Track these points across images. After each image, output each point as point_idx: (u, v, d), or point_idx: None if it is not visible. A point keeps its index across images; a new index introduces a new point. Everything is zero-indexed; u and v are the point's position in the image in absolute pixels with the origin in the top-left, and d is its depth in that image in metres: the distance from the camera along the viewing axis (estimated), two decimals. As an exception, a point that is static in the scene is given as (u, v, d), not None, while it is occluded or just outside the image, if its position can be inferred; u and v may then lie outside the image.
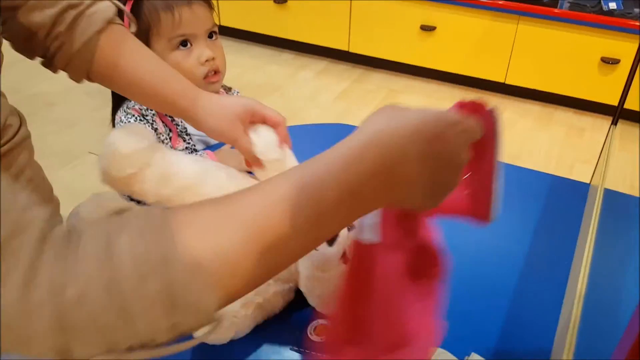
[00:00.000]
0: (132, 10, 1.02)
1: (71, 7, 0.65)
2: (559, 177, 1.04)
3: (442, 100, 2.91)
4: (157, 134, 1.08)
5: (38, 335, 0.32)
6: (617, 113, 0.96)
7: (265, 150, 0.67)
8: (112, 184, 0.70)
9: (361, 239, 0.47)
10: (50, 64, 0.68)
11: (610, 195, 0.75)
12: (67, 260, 0.33)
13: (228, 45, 3.48)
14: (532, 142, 2.59)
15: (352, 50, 3.15)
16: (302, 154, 1.05)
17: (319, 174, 0.39)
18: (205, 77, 1.06)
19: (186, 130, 1.12)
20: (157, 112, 1.09)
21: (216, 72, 1.08)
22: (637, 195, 0.90)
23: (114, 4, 0.70)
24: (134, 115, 1.06)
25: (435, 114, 0.43)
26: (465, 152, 0.44)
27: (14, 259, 0.31)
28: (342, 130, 1.24)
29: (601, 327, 0.58)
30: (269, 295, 0.68)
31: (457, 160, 0.43)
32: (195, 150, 1.12)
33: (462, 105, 0.48)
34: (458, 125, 0.43)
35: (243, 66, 3.19)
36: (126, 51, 0.69)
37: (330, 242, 0.60)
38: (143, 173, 0.68)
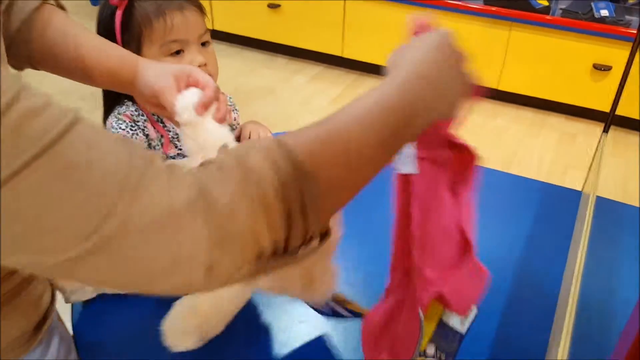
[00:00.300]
0: (123, 17, 1.01)
1: None
2: (551, 184, 1.05)
3: (435, 105, 2.92)
4: (148, 140, 1.07)
5: (195, 246, 0.34)
6: (609, 121, 0.96)
7: (180, 111, 0.67)
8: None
9: (402, 171, 0.55)
10: None
11: (602, 203, 0.75)
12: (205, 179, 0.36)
13: (221, 50, 3.48)
14: (524, 147, 2.60)
15: (346, 55, 3.15)
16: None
17: (391, 100, 0.49)
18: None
19: (178, 136, 1.12)
20: (148, 118, 1.08)
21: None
22: (629, 201, 0.91)
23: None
24: (124, 121, 1.05)
25: (431, 37, 0.56)
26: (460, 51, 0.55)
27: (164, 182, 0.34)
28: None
29: (594, 334, 0.58)
30: None
31: (458, 56, 0.55)
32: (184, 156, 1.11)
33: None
34: (447, 38, 0.55)
35: (236, 70, 3.19)
36: (64, 27, 0.69)
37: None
38: None
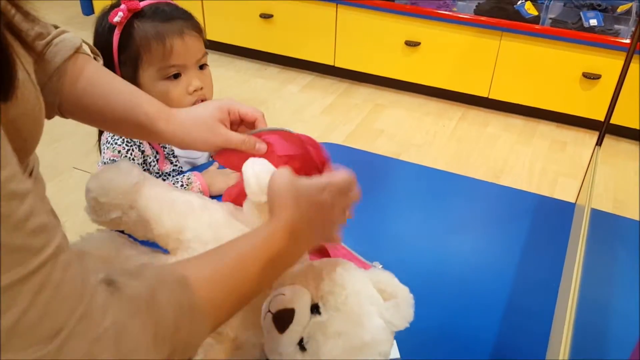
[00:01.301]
0: (121, 36, 1.00)
1: (39, 38, 0.65)
2: (544, 196, 1.06)
3: (427, 114, 2.93)
4: (144, 156, 1.07)
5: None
6: (602, 134, 0.97)
7: (257, 192, 0.63)
8: (100, 224, 0.70)
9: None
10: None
11: (597, 215, 0.76)
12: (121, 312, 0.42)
13: (214, 59, 3.49)
14: (515, 156, 2.62)
15: (338, 64, 3.17)
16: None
17: (257, 251, 0.55)
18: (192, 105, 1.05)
19: (173, 153, 1.12)
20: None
21: (202, 100, 1.07)
22: (620, 209, 0.91)
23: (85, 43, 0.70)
24: (120, 137, 1.05)
25: (309, 185, 0.59)
26: (340, 202, 0.61)
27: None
28: (326, 148, 1.24)
29: (591, 346, 0.58)
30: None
31: (332, 212, 0.60)
32: (182, 172, 1.11)
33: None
34: (326, 189, 0.59)
35: (229, 80, 3.19)
36: (94, 77, 0.68)
37: (282, 329, 0.57)
38: (128, 216, 0.68)
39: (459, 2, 2.90)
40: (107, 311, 0.40)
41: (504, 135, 2.79)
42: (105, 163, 1.04)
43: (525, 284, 0.82)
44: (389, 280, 0.61)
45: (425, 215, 0.99)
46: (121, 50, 1.00)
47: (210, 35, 3.37)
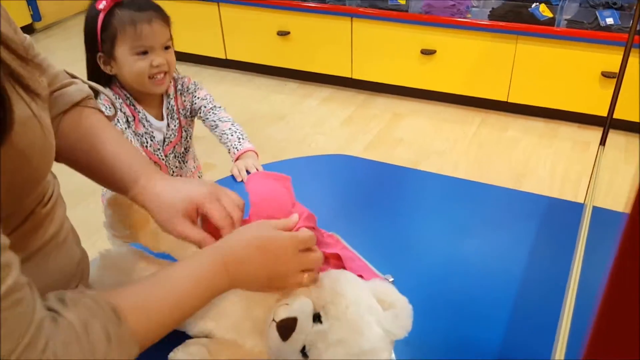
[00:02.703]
0: (104, 20, 1.26)
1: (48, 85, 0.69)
2: (556, 198, 1.06)
3: (446, 121, 2.94)
4: (125, 116, 1.31)
5: None
6: (605, 134, 0.98)
7: None
8: (118, 238, 0.75)
9: None
10: None
11: (600, 213, 0.77)
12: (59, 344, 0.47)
13: (234, 78, 3.57)
14: (537, 158, 2.60)
15: (355, 76, 3.21)
16: (305, 185, 1.09)
17: (189, 284, 0.59)
18: (153, 77, 1.29)
19: (146, 118, 1.34)
20: (123, 100, 1.32)
21: (166, 73, 1.31)
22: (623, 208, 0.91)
23: (92, 85, 0.74)
24: (103, 105, 1.23)
25: (265, 232, 0.63)
26: (295, 256, 0.63)
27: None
28: (342, 161, 1.27)
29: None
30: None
31: (285, 263, 0.62)
32: (153, 138, 1.36)
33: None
34: (287, 242, 0.63)
35: (248, 97, 3.26)
36: (83, 134, 0.71)
37: (285, 337, 0.60)
38: (143, 230, 0.74)
39: (473, 9, 2.91)
40: (48, 342, 0.46)
41: (525, 138, 2.77)
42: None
43: (534, 286, 0.83)
44: (389, 290, 0.63)
45: (442, 223, 1.00)
46: (103, 30, 1.27)
47: (230, 55, 3.45)
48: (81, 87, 0.73)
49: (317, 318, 0.61)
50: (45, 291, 0.58)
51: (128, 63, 1.27)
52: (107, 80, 1.34)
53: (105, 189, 1.24)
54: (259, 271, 0.62)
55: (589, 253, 0.64)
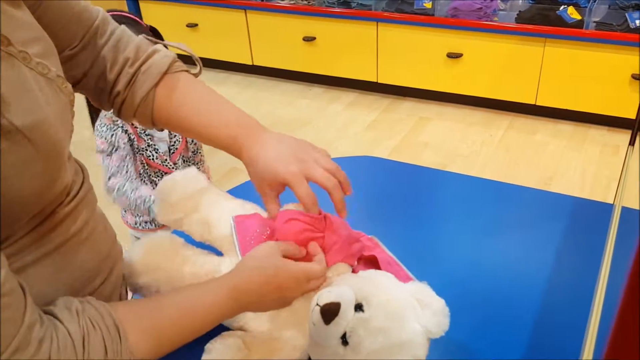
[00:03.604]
0: None
1: (127, 63, 0.71)
2: (584, 199, 1.05)
3: (472, 125, 2.93)
4: (127, 134, 1.30)
5: None
6: (634, 134, 0.97)
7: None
8: (165, 223, 0.78)
9: None
10: (119, 115, 0.75)
11: (629, 214, 0.77)
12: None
13: (261, 83, 3.61)
14: (566, 162, 2.57)
15: (381, 80, 3.21)
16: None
17: (198, 311, 0.61)
18: None
19: (145, 131, 1.34)
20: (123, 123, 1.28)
21: None
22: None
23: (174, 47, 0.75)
24: (106, 124, 1.25)
25: (278, 267, 0.65)
26: (300, 286, 0.65)
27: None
28: (368, 163, 1.28)
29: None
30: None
31: (290, 297, 0.65)
32: (157, 150, 1.36)
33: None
34: (300, 281, 0.65)
35: (275, 103, 3.29)
36: (178, 101, 0.72)
37: (328, 321, 0.61)
38: (189, 218, 0.76)
39: (500, 12, 2.89)
40: (41, 346, 0.47)
41: (554, 141, 2.74)
42: (98, 152, 1.29)
43: (563, 286, 0.83)
44: (427, 291, 0.65)
45: (469, 224, 1.00)
46: None
47: (257, 61, 3.50)
48: (164, 53, 0.73)
49: (358, 308, 0.62)
50: (66, 287, 0.60)
51: None
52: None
53: (123, 210, 1.36)
54: (266, 298, 0.64)
55: (618, 254, 0.64)
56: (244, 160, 0.71)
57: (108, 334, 0.53)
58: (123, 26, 0.73)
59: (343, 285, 0.64)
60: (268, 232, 0.73)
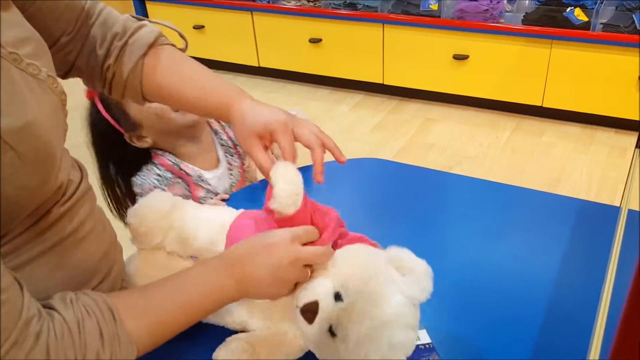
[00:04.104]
0: (101, 101, 1.11)
1: (116, 38, 0.73)
2: (590, 201, 1.05)
3: (479, 126, 2.92)
4: (159, 177, 1.16)
5: None
6: (641, 136, 0.96)
7: (279, 206, 0.65)
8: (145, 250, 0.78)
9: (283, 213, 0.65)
10: (110, 93, 0.76)
11: (635, 217, 0.77)
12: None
13: (267, 85, 3.62)
14: (573, 164, 2.56)
15: (387, 82, 3.21)
16: (337, 189, 1.10)
17: (194, 288, 0.61)
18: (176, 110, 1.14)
19: (201, 176, 1.20)
20: (173, 172, 1.17)
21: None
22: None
23: (162, 24, 0.78)
24: (156, 178, 1.15)
25: (269, 232, 0.64)
26: (291, 246, 0.63)
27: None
28: (374, 164, 1.28)
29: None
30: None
31: (285, 263, 0.62)
32: (217, 194, 1.19)
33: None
34: (286, 240, 0.63)
35: (281, 104, 3.26)
36: (166, 71, 0.74)
37: (310, 320, 0.61)
38: (167, 239, 0.76)
39: (507, 13, 2.89)
40: (39, 338, 0.48)
41: (561, 143, 2.73)
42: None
43: (569, 289, 0.83)
44: (406, 255, 0.63)
45: (475, 226, 1.00)
46: (108, 109, 1.12)
47: (263, 62, 3.51)
48: (150, 28, 0.75)
49: (338, 297, 0.61)
50: (62, 286, 0.60)
51: (147, 111, 1.11)
52: (145, 157, 1.19)
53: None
54: (262, 270, 0.62)
55: (624, 256, 0.64)
56: (233, 115, 0.72)
57: (102, 318, 0.53)
58: (109, 7, 0.76)
59: (318, 278, 0.63)
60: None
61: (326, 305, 0.61)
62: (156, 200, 0.76)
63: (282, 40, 3.39)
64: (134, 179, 1.17)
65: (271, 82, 3.55)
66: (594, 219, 0.99)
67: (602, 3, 2.66)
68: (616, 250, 0.64)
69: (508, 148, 2.71)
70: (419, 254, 0.94)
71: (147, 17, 3.85)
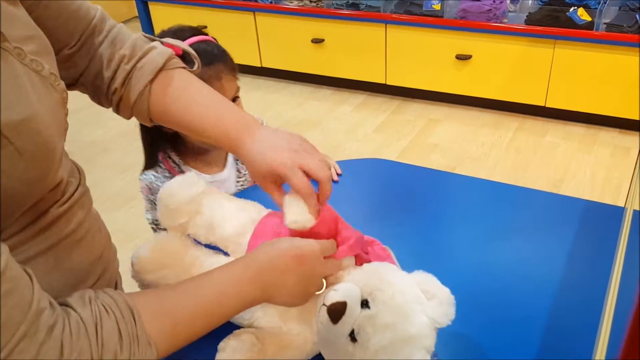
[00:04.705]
0: None
1: (123, 60, 0.71)
2: (595, 202, 1.05)
3: (482, 126, 2.92)
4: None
5: None
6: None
7: (293, 224, 0.67)
8: (169, 228, 0.78)
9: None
10: (118, 112, 0.76)
11: (639, 217, 0.76)
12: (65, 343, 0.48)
13: (269, 85, 3.62)
14: (576, 164, 2.56)
15: (389, 82, 3.21)
16: (342, 189, 1.10)
17: (216, 291, 0.60)
18: None
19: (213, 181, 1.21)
20: (165, 166, 1.18)
21: None
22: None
23: (175, 44, 0.76)
24: (145, 187, 1.16)
25: (299, 242, 0.65)
26: (320, 261, 0.65)
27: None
28: (377, 165, 1.28)
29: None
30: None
31: (312, 276, 0.65)
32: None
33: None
34: (316, 252, 0.64)
35: (284, 104, 3.30)
36: (174, 96, 0.73)
37: (335, 320, 0.61)
38: (193, 221, 0.77)
39: (510, 13, 2.88)
40: (52, 331, 0.46)
41: (564, 144, 2.73)
42: (146, 211, 1.17)
43: (574, 290, 0.82)
44: (432, 281, 0.65)
45: (479, 227, 1.00)
46: None
47: (265, 63, 3.51)
48: (161, 50, 0.73)
49: (364, 304, 0.62)
50: (57, 287, 0.59)
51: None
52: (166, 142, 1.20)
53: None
54: (292, 278, 0.63)
55: (630, 257, 0.64)
56: (241, 156, 0.72)
57: (122, 318, 0.52)
58: (121, 24, 0.74)
59: (348, 283, 0.64)
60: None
61: (354, 308, 0.61)
62: (190, 181, 0.77)
63: (285, 40, 3.39)
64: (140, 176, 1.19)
65: (273, 83, 3.56)
66: (598, 219, 0.98)
67: (605, 3, 2.65)
68: (621, 250, 0.63)
69: (511, 148, 2.71)
70: (422, 254, 0.94)
71: (150, 18, 3.86)
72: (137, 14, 3.84)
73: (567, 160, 2.59)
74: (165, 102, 0.73)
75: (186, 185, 0.77)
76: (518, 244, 0.94)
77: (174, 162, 1.20)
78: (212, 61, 1.12)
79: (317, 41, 3.27)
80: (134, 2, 3.77)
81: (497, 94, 2.96)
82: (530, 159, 2.62)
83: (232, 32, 3.48)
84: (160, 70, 0.72)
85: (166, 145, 1.19)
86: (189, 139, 1.18)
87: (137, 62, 0.72)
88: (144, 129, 1.17)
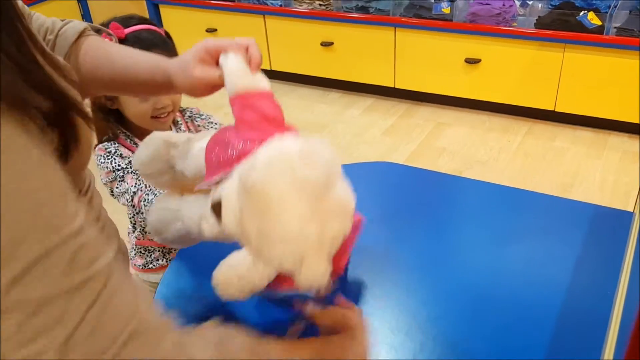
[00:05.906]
0: None
1: (47, 32, 0.76)
2: (603, 206, 1.05)
3: (491, 130, 2.91)
4: (124, 157, 1.20)
5: None
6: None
7: (233, 79, 0.67)
8: (162, 187, 0.85)
9: None
10: None
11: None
12: None
13: (278, 88, 3.63)
14: (585, 169, 2.54)
15: (398, 86, 3.21)
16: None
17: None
18: (156, 117, 1.19)
19: None
20: (120, 143, 1.21)
21: (169, 113, 1.21)
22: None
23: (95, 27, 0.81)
24: (100, 155, 1.20)
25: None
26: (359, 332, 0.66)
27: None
28: (385, 168, 1.29)
29: None
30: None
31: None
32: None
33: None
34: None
35: (292, 107, 3.31)
36: (98, 51, 0.77)
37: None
38: (175, 170, 0.78)
39: (519, 17, 2.88)
40: (165, 335, 0.44)
41: (573, 148, 2.72)
42: (107, 183, 1.21)
43: (582, 294, 0.82)
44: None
45: (487, 231, 1.00)
46: None
47: (275, 66, 3.52)
48: (77, 22, 0.79)
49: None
50: None
51: (131, 104, 1.17)
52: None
53: (130, 228, 1.30)
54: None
55: (638, 262, 0.64)
56: (170, 68, 0.73)
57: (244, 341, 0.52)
58: (37, 14, 0.79)
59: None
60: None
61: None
62: (153, 142, 0.79)
63: (294, 43, 3.40)
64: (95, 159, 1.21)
65: (282, 85, 3.57)
66: (607, 224, 0.98)
67: (615, 7, 2.64)
68: (629, 255, 0.63)
69: (520, 152, 2.70)
70: (430, 257, 0.95)
71: (161, 21, 3.88)
72: (148, 17, 3.86)
73: (576, 165, 2.58)
74: (90, 64, 0.77)
75: (152, 146, 0.79)
76: (526, 248, 0.94)
77: (125, 135, 1.23)
78: (151, 47, 1.12)
79: (327, 44, 3.28)
80: (145, 5, 3.81)
81: (506, 98, 2.96)
82: (539, 163, 2.61)
83: (242, 35, 3.46)
84: (80, 35, 0.77)
85: (116, 126, 1.24)
86: (132, 122, 1.22)
87: (59, 30, 0.77)
88: (94, 112, 1.22)
